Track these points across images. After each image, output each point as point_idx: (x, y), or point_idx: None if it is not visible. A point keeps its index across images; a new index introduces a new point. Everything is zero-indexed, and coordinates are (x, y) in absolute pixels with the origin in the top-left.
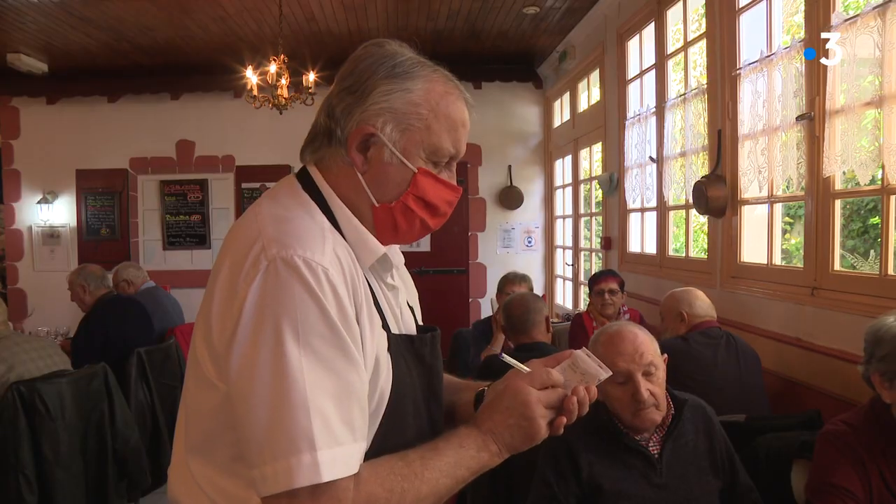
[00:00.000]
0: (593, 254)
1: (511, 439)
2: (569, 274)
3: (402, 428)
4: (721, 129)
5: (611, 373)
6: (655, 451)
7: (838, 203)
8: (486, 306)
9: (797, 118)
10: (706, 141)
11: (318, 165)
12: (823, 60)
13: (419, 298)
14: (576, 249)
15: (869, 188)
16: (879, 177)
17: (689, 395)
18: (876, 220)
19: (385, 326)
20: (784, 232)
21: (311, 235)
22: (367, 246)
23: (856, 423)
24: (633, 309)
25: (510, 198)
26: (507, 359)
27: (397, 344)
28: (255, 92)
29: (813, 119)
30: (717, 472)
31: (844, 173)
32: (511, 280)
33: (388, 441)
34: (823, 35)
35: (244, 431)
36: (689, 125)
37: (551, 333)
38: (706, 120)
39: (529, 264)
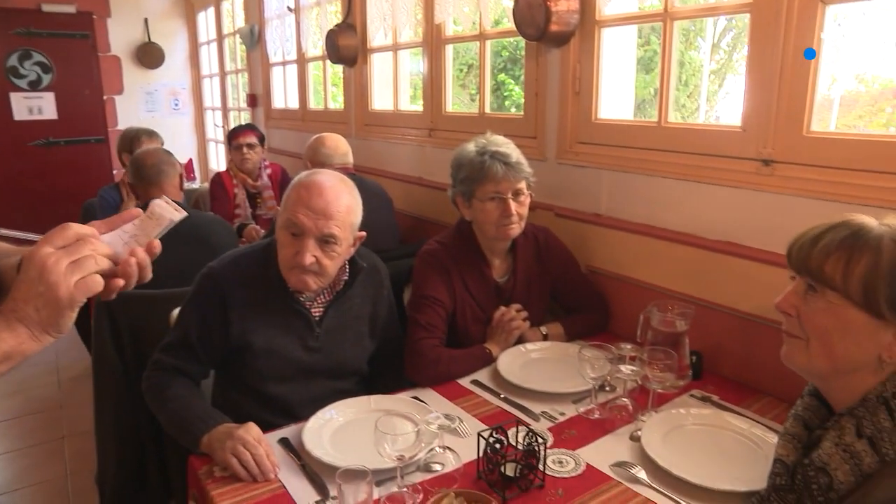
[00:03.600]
0: (241, 113)
1: (37, 314)
2: (220, 136)
3: None
4: None
5: (185, 214)
6: (318, 315)
7: (450, 48)
8: None
9: None
10: None
11: None
12: None
13: (49, 171)
14: (224, 109)
15: (470, 34)
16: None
17: (375, 260)
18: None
19: None
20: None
21: None
22: None
23: (447, 241)
24: (275, 163)
25: (150, 55)
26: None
27: None
28: None
29: None
30: (374, 336)
31: (454, 21)
32: (137, 136)
33: None
34: None
35: None
36: None
37: (184, 193)
38: None
39: (178, 128)
